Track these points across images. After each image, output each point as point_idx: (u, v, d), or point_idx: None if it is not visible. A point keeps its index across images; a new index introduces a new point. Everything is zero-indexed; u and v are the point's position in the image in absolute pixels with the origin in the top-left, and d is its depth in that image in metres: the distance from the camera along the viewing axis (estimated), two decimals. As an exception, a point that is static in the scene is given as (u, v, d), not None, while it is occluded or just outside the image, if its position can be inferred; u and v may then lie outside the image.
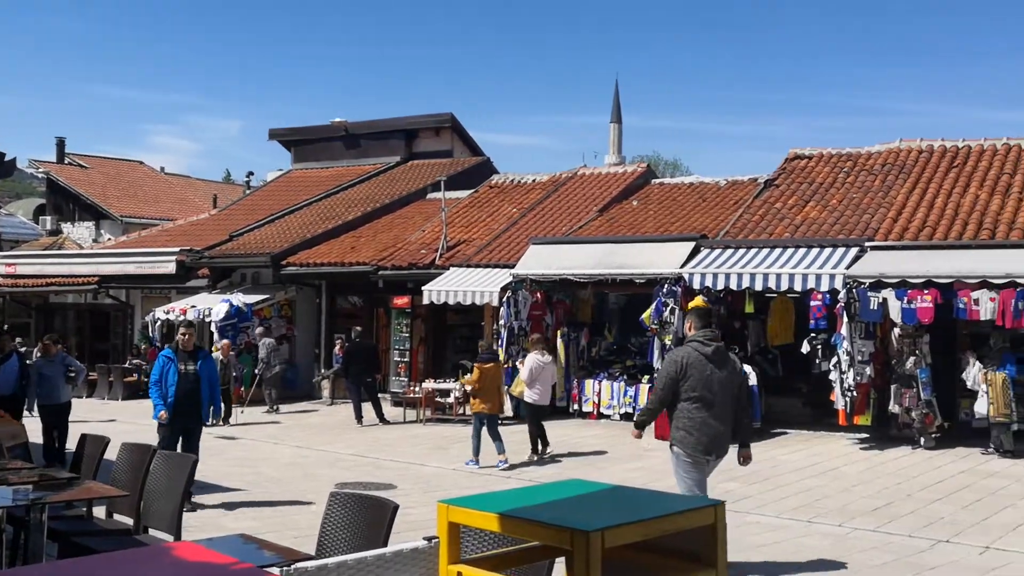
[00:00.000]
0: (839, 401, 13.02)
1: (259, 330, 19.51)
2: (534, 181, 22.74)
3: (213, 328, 19.48)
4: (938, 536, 8.35)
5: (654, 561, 3.28)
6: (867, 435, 13.48)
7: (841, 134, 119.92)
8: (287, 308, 21.70)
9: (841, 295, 13.04)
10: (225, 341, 17.85)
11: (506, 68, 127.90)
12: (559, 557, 3.15)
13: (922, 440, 12.65)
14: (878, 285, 12.90)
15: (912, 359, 12.78)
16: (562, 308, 16.89)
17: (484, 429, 12.06)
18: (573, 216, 19.49)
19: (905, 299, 12.60)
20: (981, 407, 12.23)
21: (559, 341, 16.22)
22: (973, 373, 12.43)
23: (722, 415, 6.78)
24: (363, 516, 4.43)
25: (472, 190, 23.00)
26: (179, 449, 9.13)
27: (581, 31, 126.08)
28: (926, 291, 12.54)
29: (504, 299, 16.12)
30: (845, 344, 12.86)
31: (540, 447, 12.62)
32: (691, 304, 14.38)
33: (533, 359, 12.53)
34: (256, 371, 18.96)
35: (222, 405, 14.54)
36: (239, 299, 19.91)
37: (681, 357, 6.77)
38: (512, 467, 11.96)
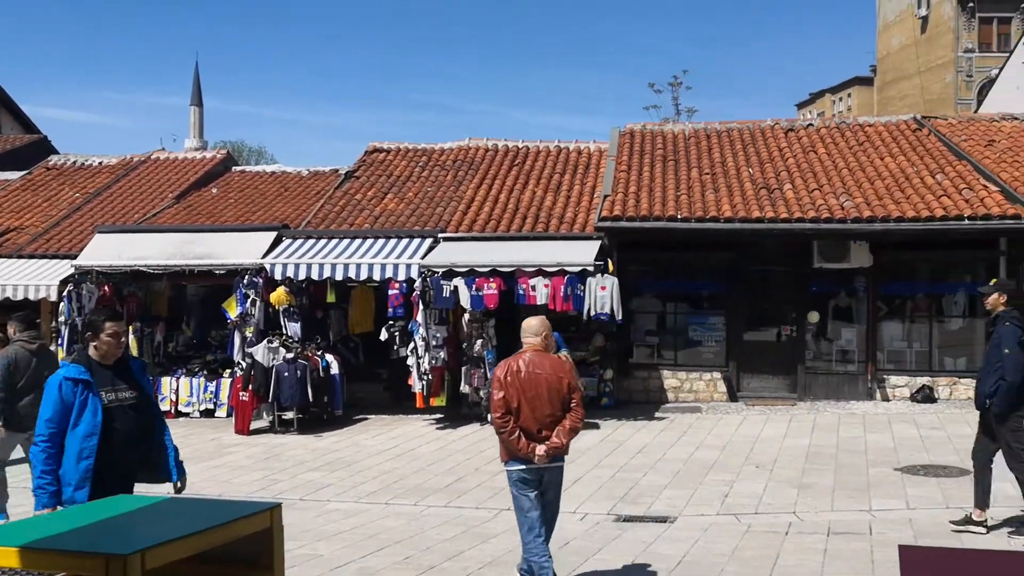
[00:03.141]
0: (416, 385, 13.66)
1: None
2: (101, 164, 20.87)
3: None
4: (501, 505, 9.06)
5: (210, 572, 3.16)
6: (442, 415, 14.31)
7: (417, 128, 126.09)
8: None
9: (417, 284, 13.65)
10: None
11: (69, 34, 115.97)
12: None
13: (489, 416, 13.67)
14: (450, 274, 13.72)
15: (480, 342, 13.79)
16: (134, 301, 15.71)
17: None
18: (147, 203, 18.24)
19: (473, 287, 13.55)
20: None
21: (131, 337, 15.09)
22: None
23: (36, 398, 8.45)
24: None
25: (25, 171, 20.52)
26: None
27: (158, 2, 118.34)
28: (491, 279, 13.59)
29: (65, 293, 14.62)
30: (421, 330, 13.51)
31: None
32: (272, 295, 14.20)
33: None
34: None
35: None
36: None
37: (12, 354, 8.49)
38: None
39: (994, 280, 7.89)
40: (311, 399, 13.65)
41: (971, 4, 51.05)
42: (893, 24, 57.45)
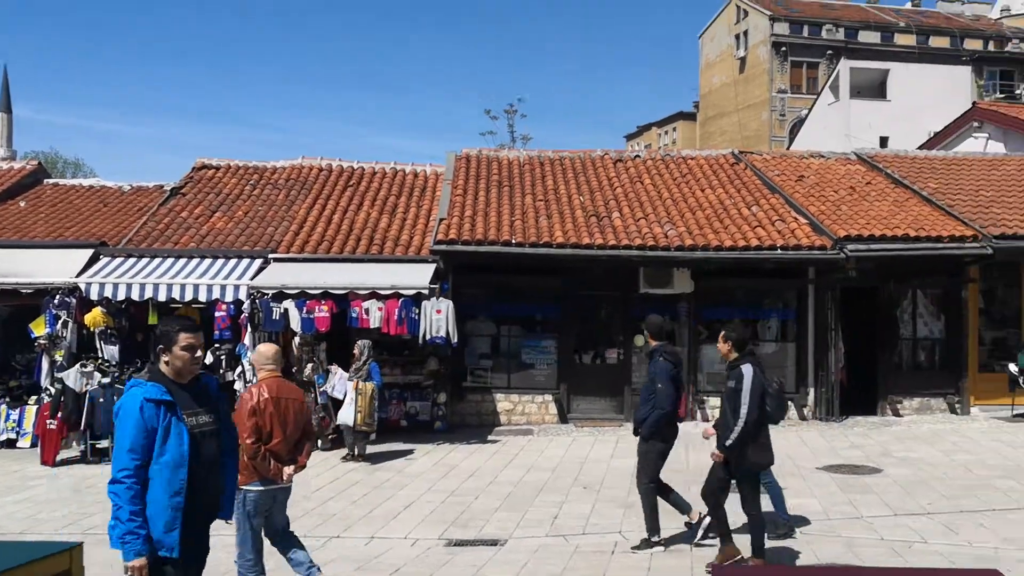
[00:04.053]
0: (243, 410, 13.15)
1: None
2: None
3: None
4: (331, 532, 8.88)
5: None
6: (270, 442, 13.83)
7: (248, 145, 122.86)
8: None
9: (245, 305, 13.23)
10: None
11: None
12: None
13: (319, 442, 13.38)
14: (280, 296, 13.36)
15: (311, 366, 13.46)
16: (-74, 323, 14.45)
17: None
18: (-57, 215, 16.81)
19: (304, 309, 13.25)
20: (347, 416, 12.38)
21: (-78, 361, 13.85)
22: (335, 382, 13.01)
23: None
24: None
25: None
26: None
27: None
28: (323, 302, 13.33)
29: None
30: (249, 354, 13.06)
31: None
32: (87, 316, 13.41)
33: None
34: None
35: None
36: None
37: None
38: None
39: (647, 319, 8.46)
40: (128, 426, 12.88)
41: (784, 48, 54.81)
42: (715, 63, 60.87)
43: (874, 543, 8.07)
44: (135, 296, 13.58)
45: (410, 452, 13.12)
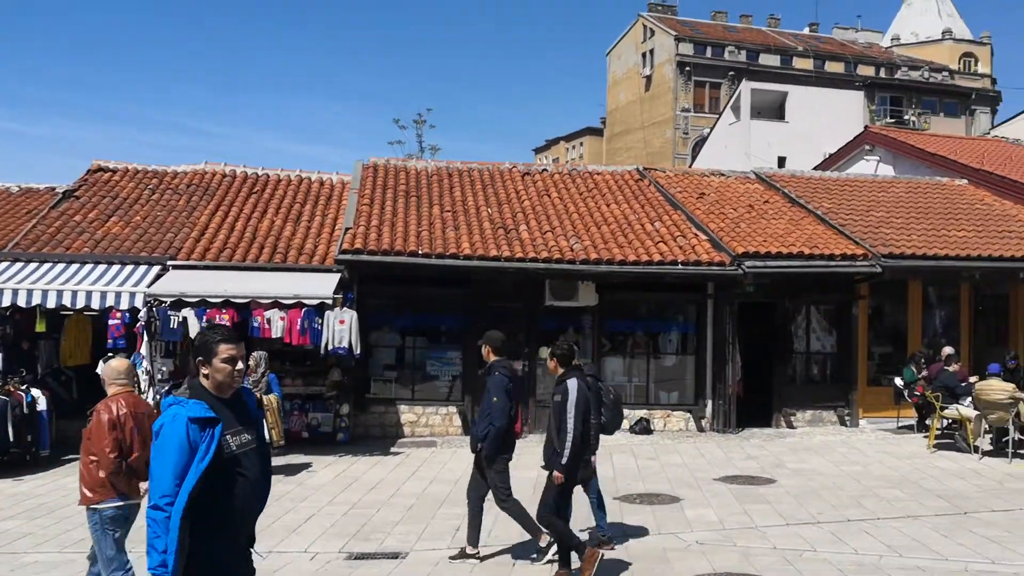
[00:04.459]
0: (137, 422, 12.73)
1: None
2: None
3: None
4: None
5: None
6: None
7: (147, 148, 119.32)
8: None
9: (141, 314, 12.82)
10: None
11: None
12: None
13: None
14: (179, 304, 12.98)
15: (209, 376, 13.11)
16: None
17: None
18: None
19: (204, 318, 12.89)
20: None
21: None
22: None
23: None
24: None
25: None
26: None
27: None
28: (224, 311, 13.00)
29: None
30: (145, 363, 12.66)
31: None
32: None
33: None
34: None
35: None
36: None
37: None
38: None
39: (487, 334, 8.45)
40: (11, 439, 12.33)
41: (688, 68, 56.21)
42: (621, 80, 62.01)
43: (767, 552, 8.30)
44: (21, 302, 13.00)
45: (311, 464, 12.91)
